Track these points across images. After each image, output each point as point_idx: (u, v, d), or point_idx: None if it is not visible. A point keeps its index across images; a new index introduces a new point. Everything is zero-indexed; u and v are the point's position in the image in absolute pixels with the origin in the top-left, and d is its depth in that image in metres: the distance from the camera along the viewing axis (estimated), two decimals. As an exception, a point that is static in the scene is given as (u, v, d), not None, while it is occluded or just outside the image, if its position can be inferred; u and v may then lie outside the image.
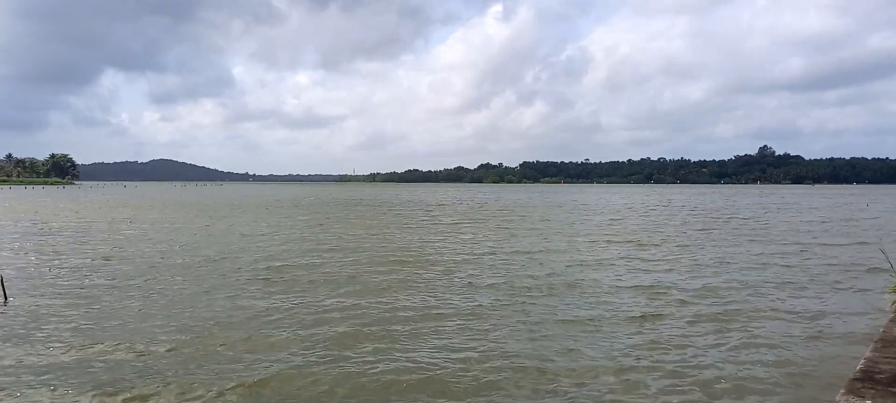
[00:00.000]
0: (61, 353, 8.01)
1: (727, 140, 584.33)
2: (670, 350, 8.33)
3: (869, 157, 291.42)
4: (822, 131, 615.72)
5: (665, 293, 12.32)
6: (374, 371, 7.43)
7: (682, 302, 11.39)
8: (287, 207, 48.64)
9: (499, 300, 11.57)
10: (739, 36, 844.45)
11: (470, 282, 13.45)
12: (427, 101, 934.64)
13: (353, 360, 7.81)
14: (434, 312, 10.50)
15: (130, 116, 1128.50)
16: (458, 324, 9.65)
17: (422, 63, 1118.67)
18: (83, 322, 9.67)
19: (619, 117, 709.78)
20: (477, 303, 11.23)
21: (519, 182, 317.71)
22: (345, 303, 11.11)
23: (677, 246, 21.23)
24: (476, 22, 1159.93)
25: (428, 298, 11.73)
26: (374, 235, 24.90)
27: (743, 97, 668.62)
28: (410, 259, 17.46)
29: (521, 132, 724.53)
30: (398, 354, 8.08)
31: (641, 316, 10.21)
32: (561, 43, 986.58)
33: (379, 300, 11.47)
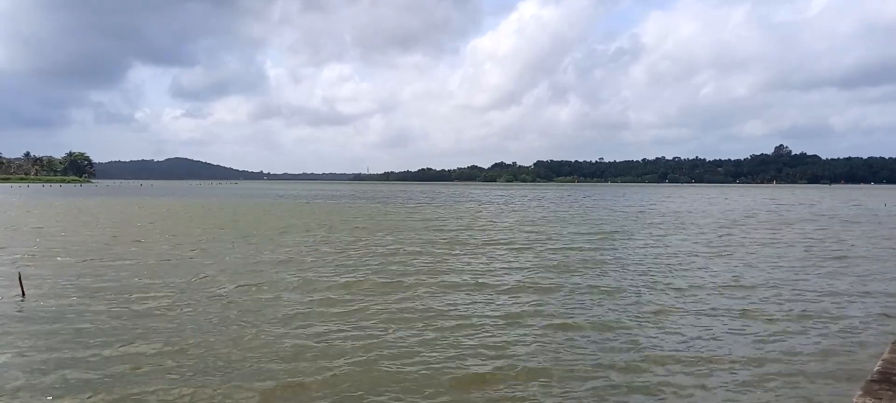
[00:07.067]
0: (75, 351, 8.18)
1: (757, 138, 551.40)
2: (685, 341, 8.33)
3: (886, 156, 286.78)
4: (855, 129, 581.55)
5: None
6: None
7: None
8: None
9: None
10: (802, 24, 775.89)
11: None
12: (457, 97, 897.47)
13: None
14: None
15: (152, 113, 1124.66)
16: None
17: (461, 56, 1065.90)
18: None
19: (651, 115, 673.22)
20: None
21: (532, 181, 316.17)
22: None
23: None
24: (523, 7, 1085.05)
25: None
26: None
27: (787, 93, 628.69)
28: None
29: (547, 131, 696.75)
30: None
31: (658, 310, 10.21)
32: (610, 34, 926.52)
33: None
